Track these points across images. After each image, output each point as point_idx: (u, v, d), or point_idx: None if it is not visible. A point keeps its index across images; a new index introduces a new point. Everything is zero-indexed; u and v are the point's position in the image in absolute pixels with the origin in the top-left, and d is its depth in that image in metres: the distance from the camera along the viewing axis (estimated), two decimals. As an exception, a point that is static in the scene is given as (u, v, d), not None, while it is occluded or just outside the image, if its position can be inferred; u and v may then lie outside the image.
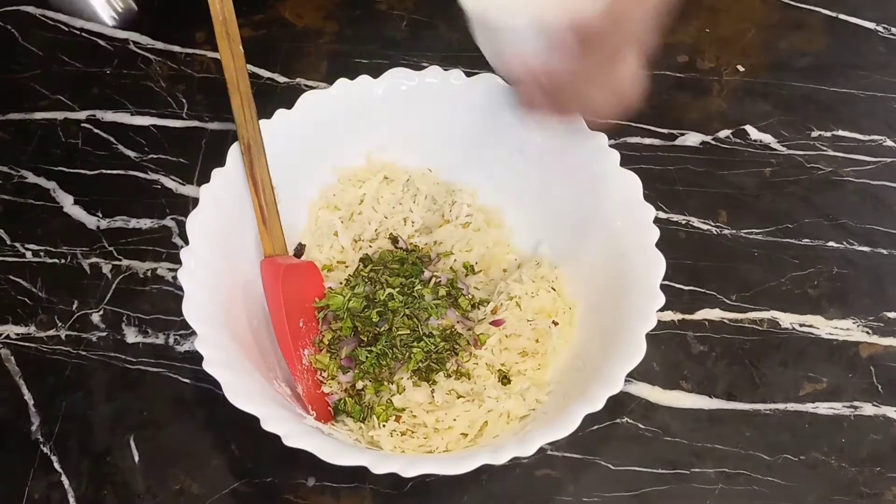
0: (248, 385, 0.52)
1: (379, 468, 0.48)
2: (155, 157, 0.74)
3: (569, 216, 0.64)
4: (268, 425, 0.49)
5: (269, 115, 0.63)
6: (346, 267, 0.66)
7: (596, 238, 0.61)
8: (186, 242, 0.56)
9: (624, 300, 0.57)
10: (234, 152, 0.61)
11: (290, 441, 0.48)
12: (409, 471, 0.48)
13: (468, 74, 0.66)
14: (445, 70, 0.66)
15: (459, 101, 0.65)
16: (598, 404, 0.50)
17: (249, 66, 0.79)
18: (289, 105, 0.63)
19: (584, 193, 0.62)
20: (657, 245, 0.57)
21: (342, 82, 0.65)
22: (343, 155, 0.67)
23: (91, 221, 0.70)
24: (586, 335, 0.61)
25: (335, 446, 0.49)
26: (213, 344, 0.52)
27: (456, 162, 0.68)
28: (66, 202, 0.72)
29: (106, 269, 0.68)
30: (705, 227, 0.71)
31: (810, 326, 0.66)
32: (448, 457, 0.54)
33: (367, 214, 0.67)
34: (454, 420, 0.57)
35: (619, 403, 0.61)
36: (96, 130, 0.76)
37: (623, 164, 0.61)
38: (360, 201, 0.67)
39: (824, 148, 0.76)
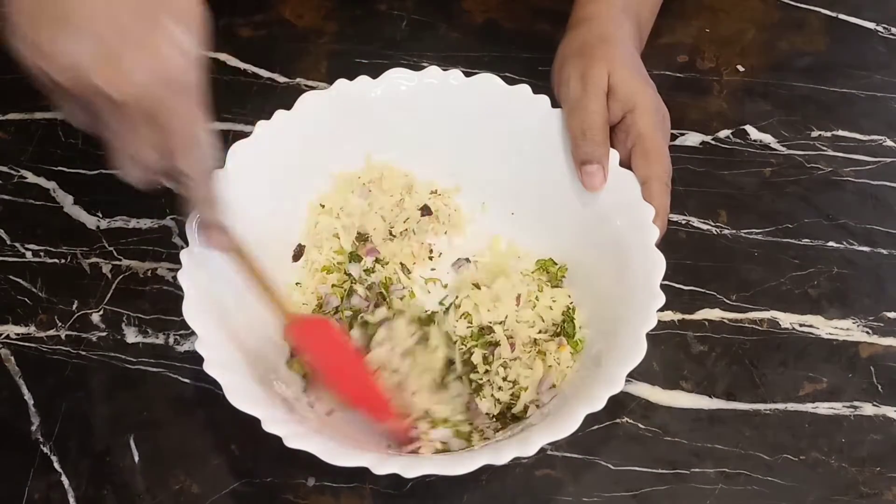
0: (248, 386, 0.52)
1: (379, 469, 0.48)
2: (155, 157, 0.74)
3: (569, 216, 0.64)
4: (268, 426, 0.49)
5: (268, 116, 0.63)
6: (347, 269, 0.66)
7: (596, 238, 0.62)
8: (186, 243, 0.56)
9: (624, 300, 0.57)
10: (234, 153, 0.61)
11: (291, 442, 0.48)
12: (409, 471, 0.48)
13: (468, 74, 0.66)
14: (445, 70, 0.66)
15: (459, 101, 0.65)
16: (599, 404, 0.50)
17: (249, 66, 0.80)
18: (288, 105, 0.63)
19: (585, 194, 0.62)
20: (657, 245, 0.57)
21: (341, 83, 0.65)
22: (342, 155, 0.67)
23: (91, 221, 0.70)
24: (586, 335, 0.61)
25: (335, 447, 0.49)
26: (213, 345, 0.52)
27: (455, 162, 0.68)
28: (66, 202, 0.71)
29: (106, 269, 0.68)
30: (705, 227, 0.71)
31: (810, 326, 0.66)
32: (448, 457, 0.54)
33: (368, 216, 0.67)
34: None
35: (619, 403, 0.61)
36: (96, 130, 0.76)
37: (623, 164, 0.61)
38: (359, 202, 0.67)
39: (824, 148, 0.76)
